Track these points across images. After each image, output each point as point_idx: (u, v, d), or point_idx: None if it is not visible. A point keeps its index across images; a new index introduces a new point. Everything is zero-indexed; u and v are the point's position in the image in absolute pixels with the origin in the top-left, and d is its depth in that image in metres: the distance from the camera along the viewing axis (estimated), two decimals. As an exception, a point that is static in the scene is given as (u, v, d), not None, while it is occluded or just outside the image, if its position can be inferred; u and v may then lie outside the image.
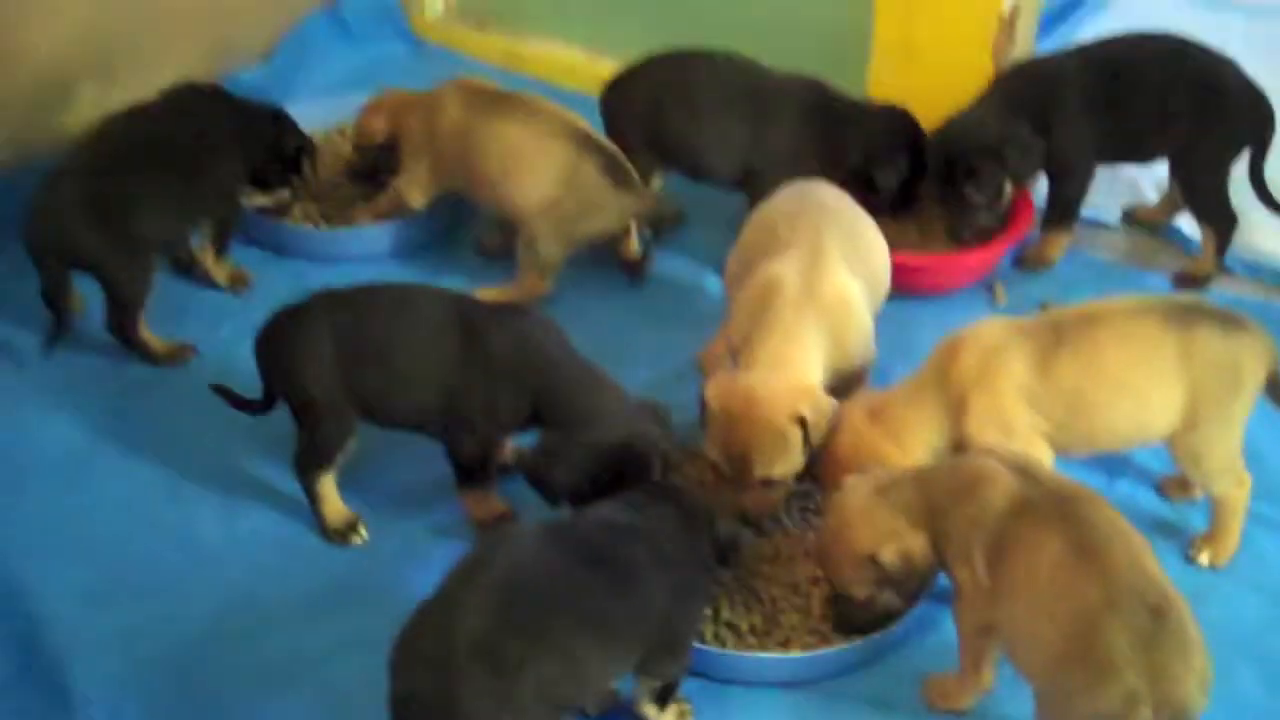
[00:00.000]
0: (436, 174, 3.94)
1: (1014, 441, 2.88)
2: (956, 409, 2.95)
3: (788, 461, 3.02)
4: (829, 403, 3.05)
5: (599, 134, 3.84)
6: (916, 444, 2.98)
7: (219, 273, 3.94)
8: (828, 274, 3.18)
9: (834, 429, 3.01)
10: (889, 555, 2.67)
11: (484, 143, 3.82)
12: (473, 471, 3.13)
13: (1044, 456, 2.94)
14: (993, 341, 2.95)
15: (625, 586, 2.50)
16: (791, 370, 3.06)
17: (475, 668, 2.30)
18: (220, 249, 3.91)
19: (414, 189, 3.97)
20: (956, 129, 3.83)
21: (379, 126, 4.04)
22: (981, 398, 2.92)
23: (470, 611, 2.35)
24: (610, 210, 3.76)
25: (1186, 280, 3.89)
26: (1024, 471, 2.59)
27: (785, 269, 3.18)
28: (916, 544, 2.66)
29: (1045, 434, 2.94)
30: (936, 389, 2.98)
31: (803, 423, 2.98)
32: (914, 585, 2.74)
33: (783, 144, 3.83)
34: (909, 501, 2.68)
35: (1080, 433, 2.96)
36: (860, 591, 2.77)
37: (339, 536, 3.19)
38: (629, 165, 3.79)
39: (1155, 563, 2.45)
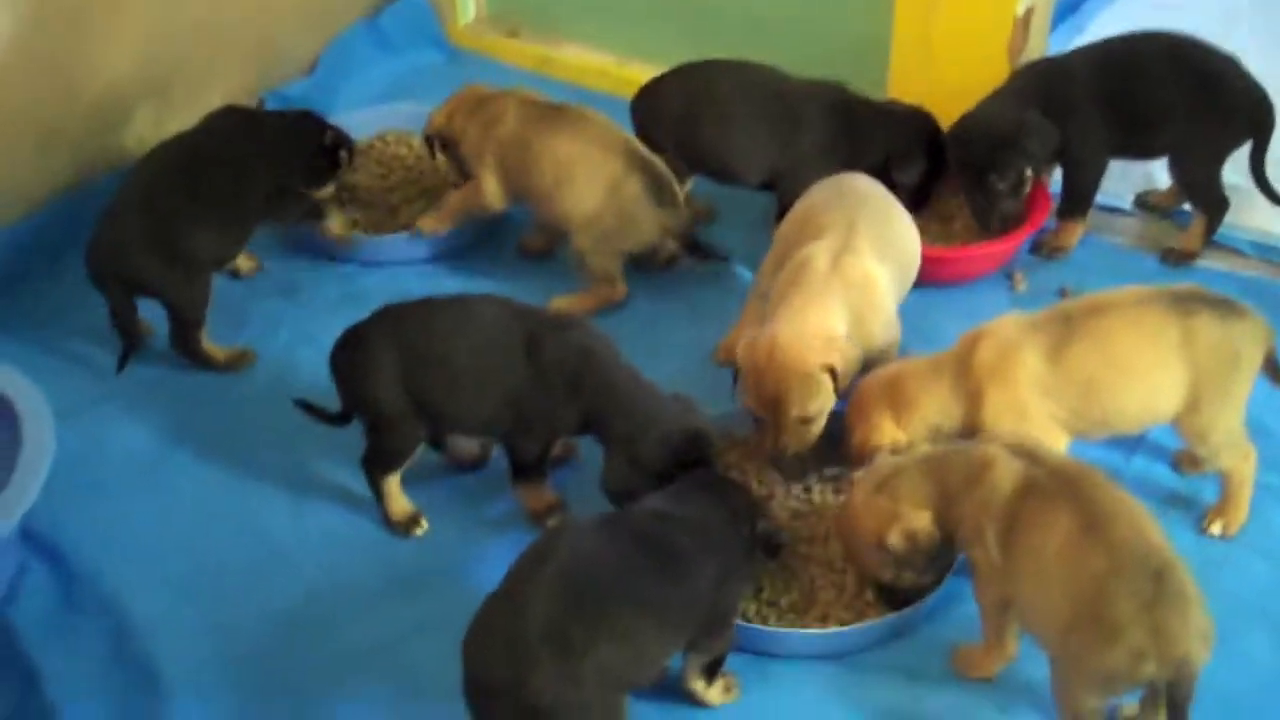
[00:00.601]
0: (505, 181, 4.02)
1: (1030, 429, 3.03)
2: (973, 399, 3.10)
3: (819, 400, 3.19)
4: (854, 350, 3.22)
5: (648, 151, 3.91)
6: (915, 420, 3.13)
7: (336, 226, 4.10)
8: (857, 256, 3.34)
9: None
10: (894, 538, 2.83)
11: (538, 155, 3.91)
12: (528, 468, 3.28)
13: (1059, 441, 3.09)
14: (1008, 337, 3.10)
15: (677, 573, 2.67)
16: (812, 322, 3.22)
17: (543, 652, 2.46)
18: (320, 213, 4.06)
19: (490, 195, 4.03)
20: (974, 122, 3.95)
21: (436, 121, 4.16)
22: (998, 390, 3.07)
23: (536, 600, 2.51)
24: (648, 227, 3.86)
25: (1173, 256, 4.03)
26: (1028, 454, 2.74)
27: (817, 249, 3.36)
28: (920, 524, 2.82)
29: (1060, 420, 3.09)
30: (954, 377, 3.13)
31: (831, 370, 3.16)
32: (923, 562, 2.89)
33: (808, 147, 3.93)
34: (914, 487, 2.83)
35: (1093, 417, 3.10)
36: (884, 574, 2.95)
37: (402, 529, 3.34)
38: (673, 183, 3.89)
39: (1157, 530, 2.60)
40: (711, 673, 2.86)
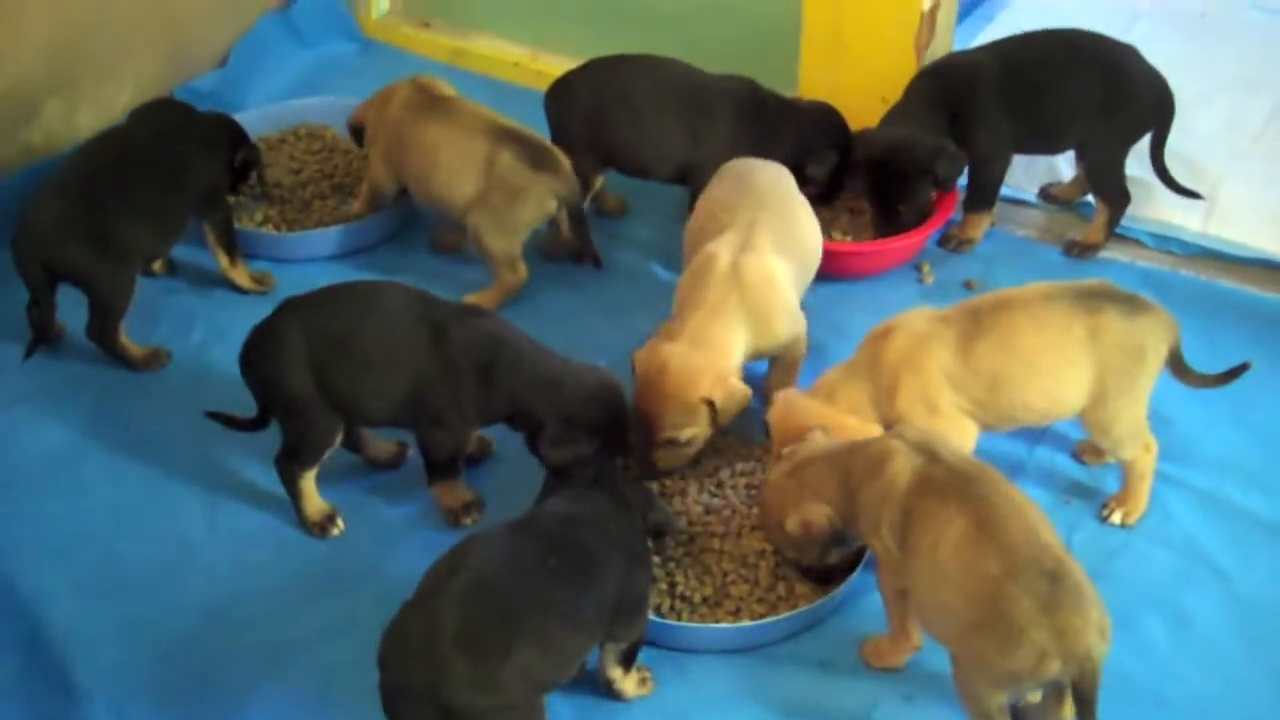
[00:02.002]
0: (387, 163, 4.09)
1: (939, 419, 3.10)
2: (889, 390, 3.16)
3: (692, 430, 3.29)
4: (741, 390, 3.30)
5: (517, 125, 3.94)
6: (867, 417, 3.18)
7: (240, 278, 4.06)
8: (758, 254, 3.40)
9: (789, 410, 3.19)
10: (790, 524, 2.91)
11: (410, 141, 3.99)
12: (442, 464, 3.29)
13: (969, 432, 3.16)
14: (919, 329, 3.17)
15: (588, 573, 2.70)
16: (712, 351, 3.30)
17: (460, 656, 2.49)
18: (230, 252, 4.03)
19: (380, 177, 4.12)
20: (888, 143, 3.97)
21: (356, 115, 4.22)
22: (910, 380, 3.14)
23: (450, 607, 2.54)
24: (534, 193, 3.86)
25: (1076, 248, 4.11)
26: (927, 450, 2.78)
27: (719, 248, 3.42)
28: (815, 515, 2.88)
29: (968, 412, 3.16)
30: (870, 372, 3.20)
31: (710, 404, 3.25)
32: (816, 550, 2.96)
33: (719, 142, 3.97)
34: (819, 477, 2.89)
35: (1000, 410, 3.17)
36: (789, 552, 3.04)
37: (318, 529, 3.34)
38: (549, 149, 3.90)
39: (1051, 531, 2.65)
40: (628, 661, 2.89)
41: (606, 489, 2.93)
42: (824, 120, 4.10)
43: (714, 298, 3.35)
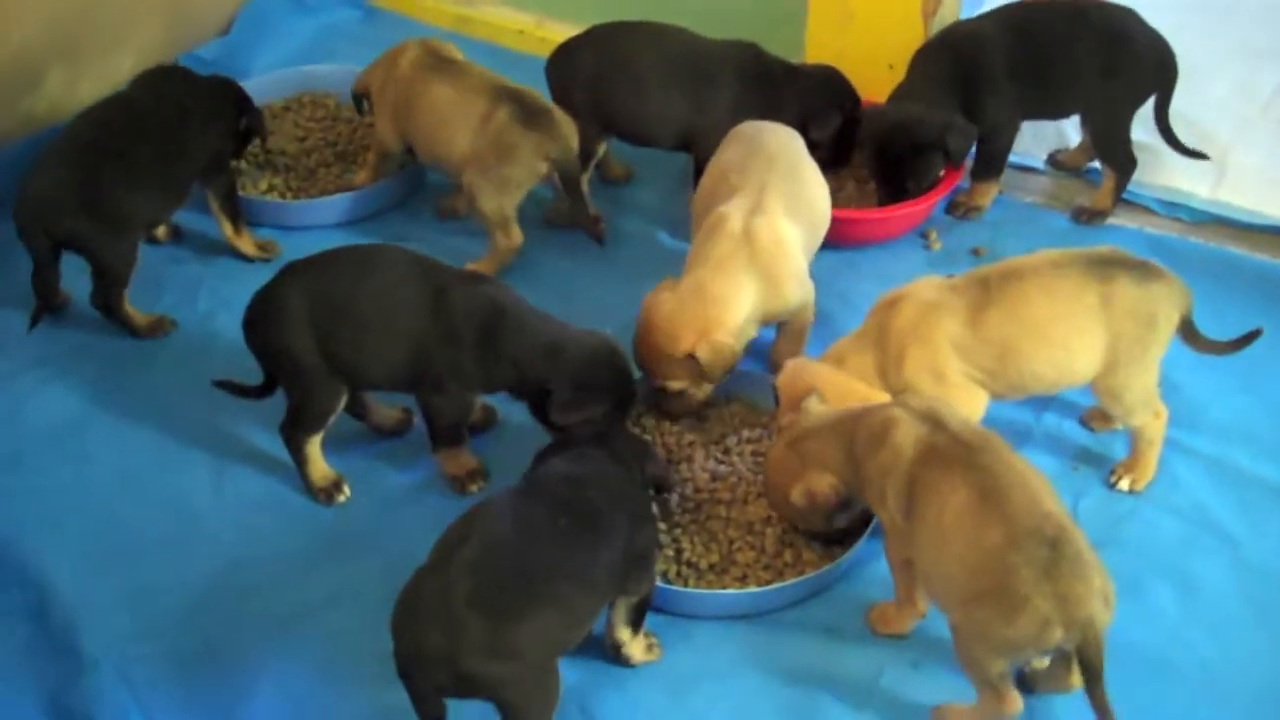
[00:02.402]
0: (394, 120, 4.08)
1: (946, 388, 3.09)
2: (896, 360, 3.15)
3: (680, 384, 3.34)
4: (728, 346, 3.29)
5: (522, 87, 3.93)
6: (875, 386, 3.17)
7: (245, 246, 4.05)
8: (768, 217, 3.39)
9: (799, 376, 3.16)
10: (795, 495, 2.92)
11: (418, 99, 3.99)
12: (445, 431, 3.29)
13: (978, 400, 3.15)
14: (927, 298, 3.15)
15: (596, 532, 2.71)
16: (708, 303, 3.30)
17: (476, 622, 2.49)
18: (234, 220, 4.02)
19: (385, 136, 4.13)
20: (896, 121, 3.95)
21: (360, 82, 4.22)
22: (917, 349, 3.13)
23: (465, 573, 2.54)
24: (523, 151, 3.84)
25: (1084, 214, 4.10)
26: (933, 419, 2.77)
27: (731, 210, 3.41)
28: (820, 485, 2.89)
29: (977, 380, 3.14)
30: (878, 340, 3.18)
31: (692, 357, 3.26)
32: (821, 520, 2.99)
33: (721, 108, 3.95)
34: (823, 448, 2.89)
35: (1009, 380, 3.16)
36: (795, 521, 3.05)
37: (324, 495, 3.34)
38: (547, 110, 3.89)
39: (1054, 499, 2.64)
40: (637, 620, 2.89)
41: (607, 445, 2.94)
42: (827, 83, 4.07)
43: (721, 253, 3.34)
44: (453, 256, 3.81)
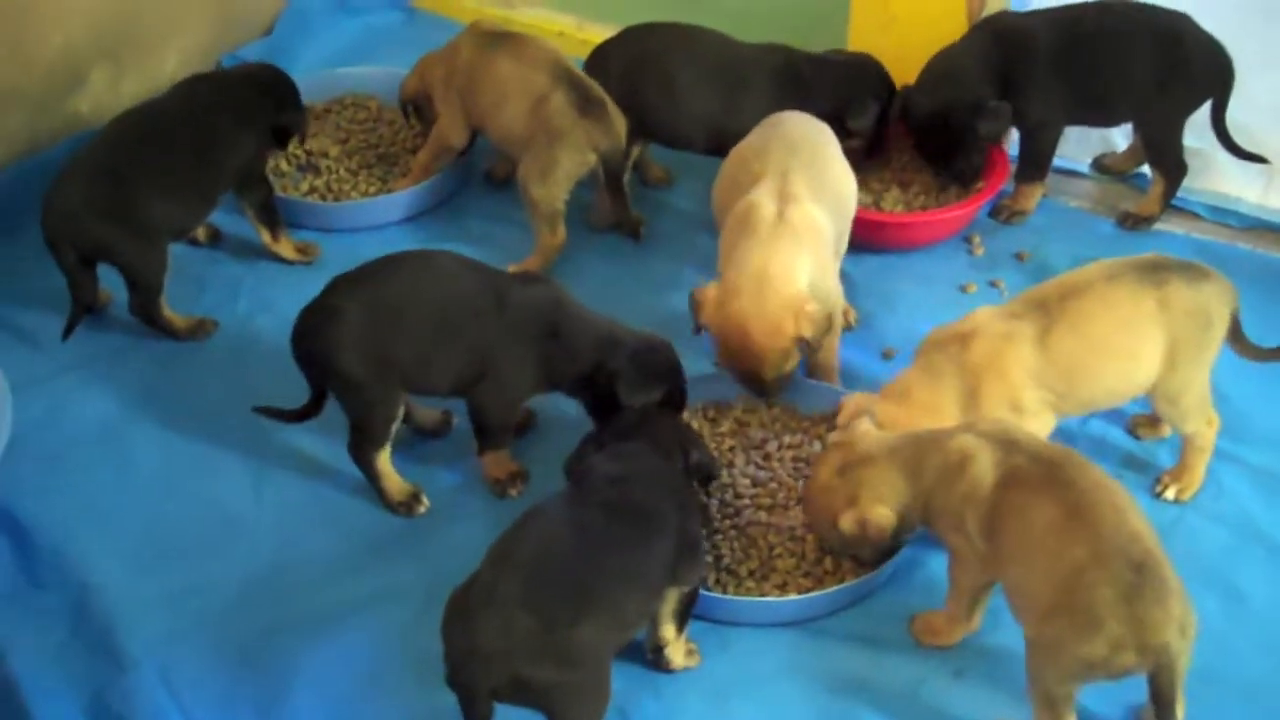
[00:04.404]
0: (463, 112, 4.07)
1: (1024, 417, 3.03)
2: (973, 394, 3.07)
3: (791, 361, 3.30)
4: (821, 312, 3.24)
5: (580, 71, 3.93)
6: (949, 421, 3.08)
7: (285, 250, 4.03)
8: (799, 205, 3.35)
9: (858, 413, 3.10)
10: (846, 524, 2.86)
11: (482, 76, 3.99)
12: (496, 432, 3.28)
13: (1048, 425, 3.10)
14: (998, 330, 3.08)
15: (647, 529, 2.71)
16: (780, 285, 3.24)
17: (532, 625, 2.48)
18: (271, 228, 4.00)
19: (451, 129, 4.12)
20: (932, 96, 3.96)
21: (409, 85, 4.24)
22: (995, 384, 3.05)
23: (519, 576, 2.53)
24: (574, 138, 3.82)
25: (1130, 220, 4.05)
26: (1005, 442, 2.74)
27: (760, 197, 3.36)
28: (875, 515, 2.84)
29: (1049, 404, 3.09)
30: (951, 375, 3.09)
31: (802, 339, 3.23)
32: (870, 552, 2.96)
33: (753, 114, 3.86)
34: (881, 478, 2.85)
35: (1080, 399, 3.11)
36: (835, 548, 3.02)
37: (404, 509, 3.30)
38: (602, 100, 3.87)
39: (1140, 516, 2.61)
40: (684, 615, 2.87)
41: (647, 436, 2.94)
42: (860, 71, 4.04)
43: (764, 236, 3.28)
44: (498, 253, 3.90)
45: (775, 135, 3.55)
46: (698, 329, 3.34)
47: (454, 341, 3.18)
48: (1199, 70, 3.89)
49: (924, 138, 4.01)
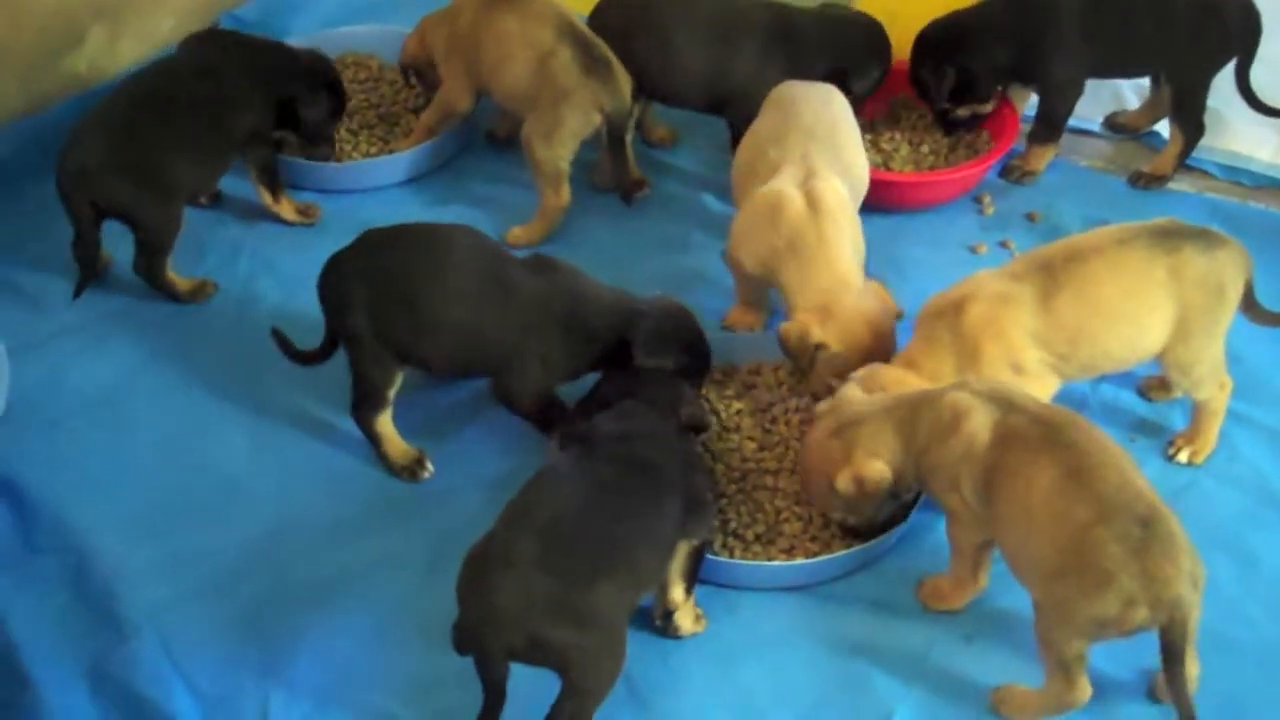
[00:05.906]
0: (468, 75, 4.02)
1: (1025, 379, 2.99)
2: (972, 357, 3.03)
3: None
4: (891, 309, 3.28)
5: (586, 29, 3.88)
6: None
7: (286, 212, 4.00)
8: (823, 181, 3.33)
9: (880, 383, 3.07)
10: (842, 483, 2.84)
11: (485, 35, 3.93)
12: (536, 424, 3.25)
13: (1051, 386, 3.06)
14: (995, 293, 3.04)
15: (656, 484, 2.71)
16: (852, 275, 3.25)
17: (547, 584, 2.47)
18: (273, 189, 3.97)
19: (456, 95, 4.07)
20: (930, 33, 3.98)
21: (410, 48, 4.18)
22: (993, 345, 3.01)
23: (534, 537, 2.52)
24: (579, 97, 3.77)
25: (1143, 179, 4.01)
26: (1002, 401, 2.70)
27: (783, 186, 3.33)
28: (871, 471, 2.81)
29: (1051, 366, 3.05)
30: (950, 341, 3.06)
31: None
32: (869, 507, 2.90)
33: (747, 71, 3.86)
34: (875, 436, 2.82)
35: (1082, 362, 3.07)
36: (833, 512, 2.97)
37: (407, 473, 3.28)
38: (608, 60, 3.81)
39: (1141, 476, 2.58)
40: (693, 574, 2.85)
41: (643, 395, 2.94)
42: (859, 30, 3.99)
43: (812, 240, 3.26)
44: (501, 215, 3.89)
45: (791, 118, 3.51)
46: (810, 360, 3.22)
47: (453, 333, 3.17)
48: (1231, 26, 3.84)
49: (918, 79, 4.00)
